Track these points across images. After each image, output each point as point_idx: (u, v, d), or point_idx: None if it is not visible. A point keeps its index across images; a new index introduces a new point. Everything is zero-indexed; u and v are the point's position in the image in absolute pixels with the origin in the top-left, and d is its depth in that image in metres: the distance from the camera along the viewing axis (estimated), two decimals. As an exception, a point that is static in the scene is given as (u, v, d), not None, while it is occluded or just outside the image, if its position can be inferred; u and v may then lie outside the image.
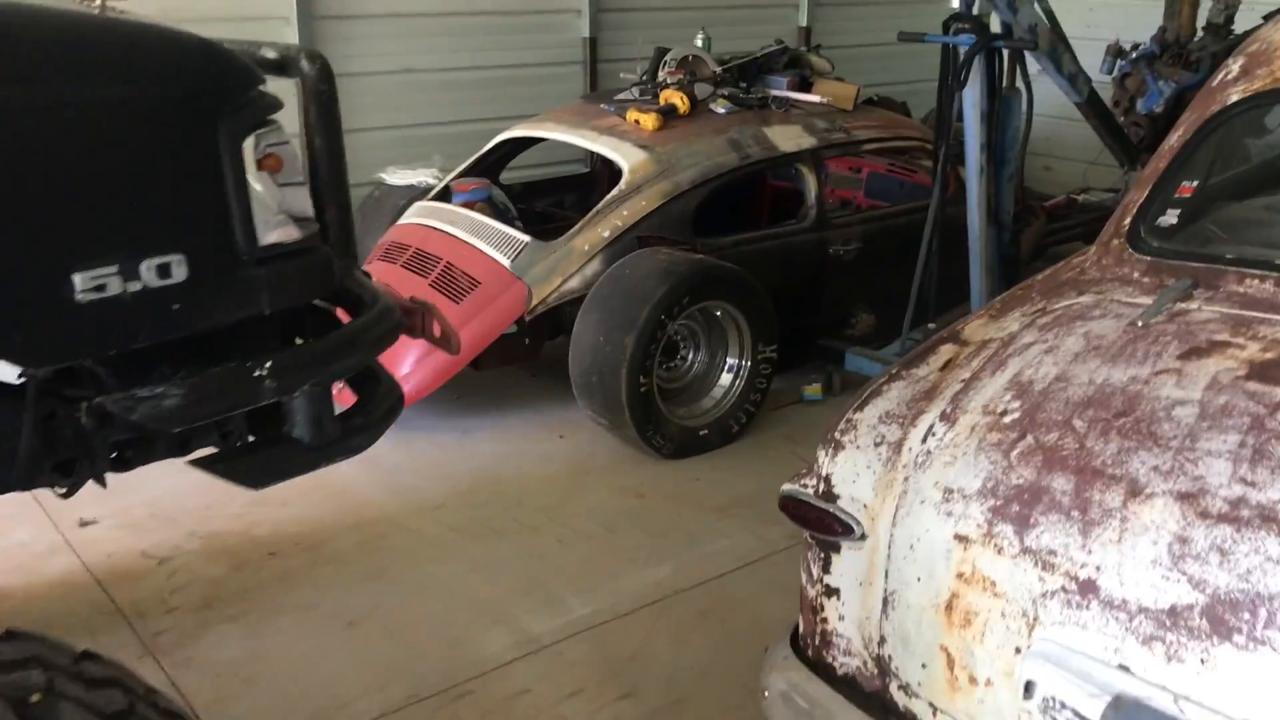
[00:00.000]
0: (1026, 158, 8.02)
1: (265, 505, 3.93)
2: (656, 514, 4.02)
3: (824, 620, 2.45)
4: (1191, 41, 5.67)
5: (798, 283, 4.99)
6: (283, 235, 1.65)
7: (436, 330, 2.09)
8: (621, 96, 5.26)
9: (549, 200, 5.85)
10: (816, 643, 2.47)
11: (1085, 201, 6.63)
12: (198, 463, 1.84)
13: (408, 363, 4.47)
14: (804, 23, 7.63)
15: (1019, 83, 4.64)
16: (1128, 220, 2.83)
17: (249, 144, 1.64)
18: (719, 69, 5.27)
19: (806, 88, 5.42)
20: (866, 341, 5.20)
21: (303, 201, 1.76)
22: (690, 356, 4.65)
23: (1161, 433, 2.10)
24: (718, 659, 3.15)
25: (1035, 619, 2.05)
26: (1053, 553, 2.04)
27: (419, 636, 3.28)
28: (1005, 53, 4.57)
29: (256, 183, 1.63)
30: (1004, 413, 2.31)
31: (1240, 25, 5.73)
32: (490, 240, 4.63)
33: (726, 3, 7.22)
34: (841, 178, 6.10)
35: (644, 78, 5.29)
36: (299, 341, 1.91)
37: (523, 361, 4.75)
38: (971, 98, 4.49)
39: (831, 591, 2.43)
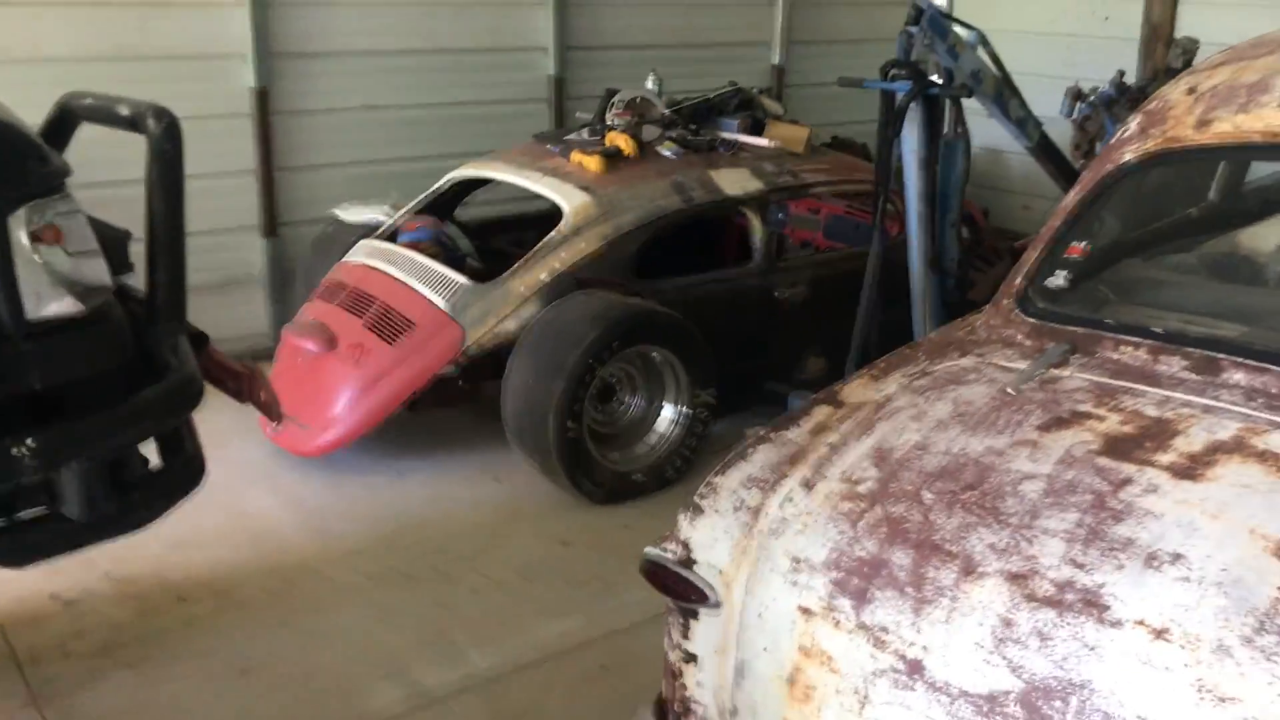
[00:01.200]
0: (1004, 196, 8.05)
1: (183, 548, 3.91)
2: (578, 563, 3.98)
3: (683, 687, 2.40)
4: (1152, 85, 5.61)
5: (743, 326, 4.95)
6: (61, 308, 1.62)
7: (261, 396, 2.07)
8: (570, 137, 5.25)
9: (509, 238, 5.83)
10: (677, 709, 2.43)
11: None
12: (-51, 542, 1.81)
13: (341, 402, 4.46)
14: (778, 61, 7.62)
15: (959, 129, 4.61)
16: (1019, 280, 2.79)
17: (19, 217, 1.62)
18: (667, 111, 5.26)
19: (758, 130, 5.39)
20: (816, 385, 5.14)
21: (96, 271, 1.73)
22: (627, 400, 4.61)
23: (1004, 508, 2.05)
24: (607, 717, 3.09)
25: (866, 698, 2.00)
26: (885, 630, 2.00)
27: (310, 687, 3.24)
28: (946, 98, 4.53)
29: (33, 255, 1.60)
30: (860, 481, 2.27)
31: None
32: (428, 281, 4.62)
33: (698, 41, 7.20)
34: (802, 218, 6.05)
35: (593, 119, 5.28)
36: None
37: (460, 404, 4.72)
38: (910, 144, 4.45)
39: (690, 658, 2.38)
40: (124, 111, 2.23)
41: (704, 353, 4.54)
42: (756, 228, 4.99)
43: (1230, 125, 2.61)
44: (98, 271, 1.73)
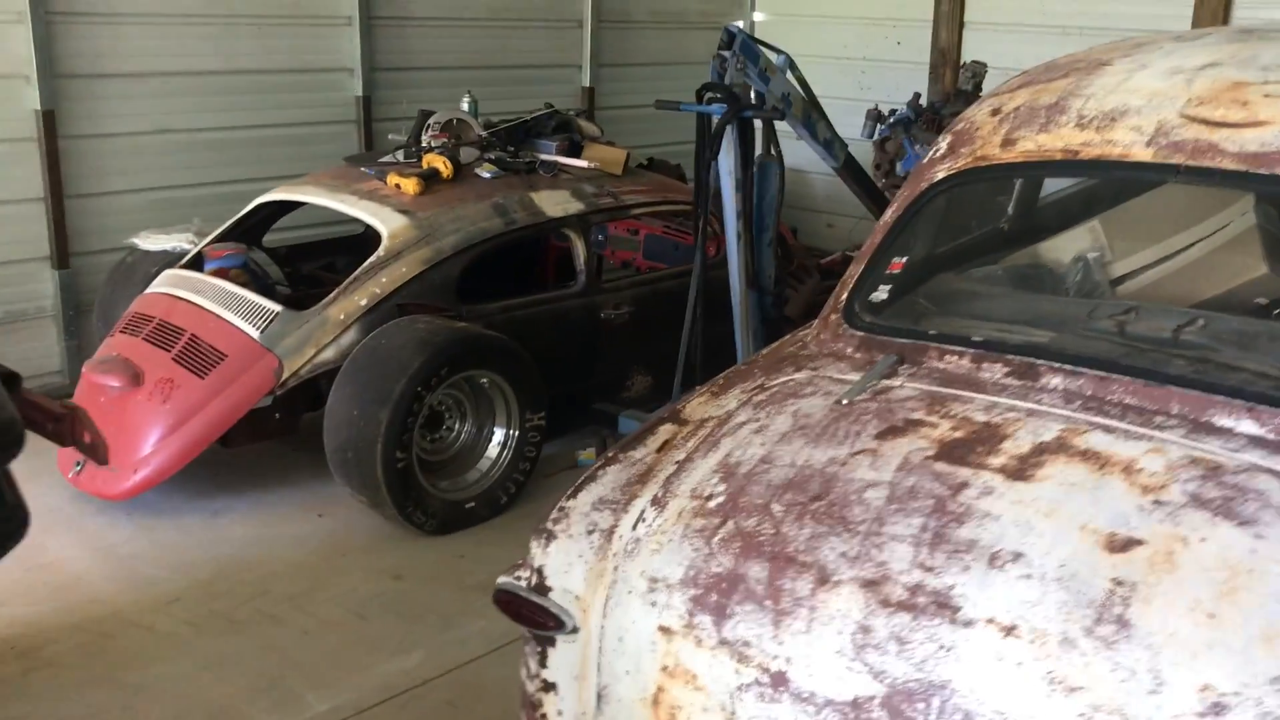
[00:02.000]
0: (809, 215, 8.35)
1: (-22, 606, 3.61)
2: (413, 597, 3.87)
3: (543, 717, 2.36)
4: (945, 107, 5.94)
5: (569, 347, 4.94)
6: None
7: (86, 437, 1.93)
8: (385, 160, 5.15)
9: (319, 263, 5.66)
10: (536, 740, 2.39)
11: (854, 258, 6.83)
12: None
13: (149, 441, 4.22)
14: (587, 83, 7.68)
15: (773, 150, 4.75)
16: (845, 295, 2.88)
17: None
18: (484, 133, 5.22)
19: (576, 152, 5.41)
20: (643, 403, 5.20)
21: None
22: (456, 427, 4.53)
23: (852, 516, 2.11)
24: (458, 754, 3.02)
25: (733, 713, 2.02)
26: (747, 644, 2.02)
27: (136, 748, 3.04)
28: (758, 121, 4.66)
29: None
30: (710, 496, 2.29)
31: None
32: (239, 310, 4.42)
33: (508, 62, 7.19)
34: (621, 239, 6.11)
35: (408, 141, 5.19)
36: None
37: (277, 437, 4.54)
38: (726, 166, 4.56)
39: (549, 687, 2.35)
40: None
41: (533, 375, 4.51)
42: (579, 249, 5.00)
43: (1033, 144, 2.77)
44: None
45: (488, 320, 4.62)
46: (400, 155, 5.14)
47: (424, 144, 5.10)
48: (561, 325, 4.92)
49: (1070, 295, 3.04)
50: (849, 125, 5.78)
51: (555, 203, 5.02)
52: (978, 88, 5.89)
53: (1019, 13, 7.43)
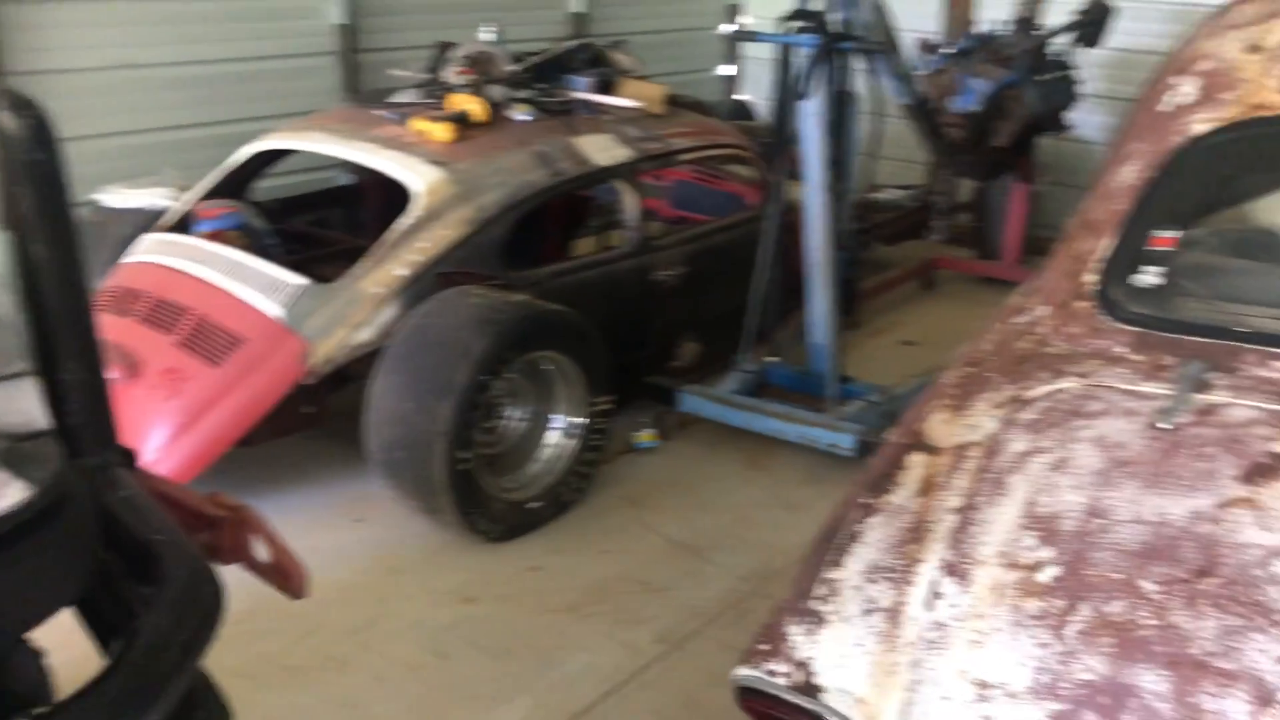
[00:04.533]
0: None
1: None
2: (494, 624, 3.29)
3: (806, 847, 1.82)
4: (1001, 38, 5.39)
5: (621, 315, 4.33)
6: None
7: (268, 553, 1.28)
8: (399, 99, 4.43)
9: (308, 218, 4.95)
10: None
11: (879, 200, 6.30)
12: None
13: (153, 445, 3.53)
14: (575, 7, 6.93)
15: (857, 86, 4.18)
16: (1091, 277, 2.34)
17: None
18: (515, 68, 4.52)
19: (606, 90, 4.74)
20: (694, 373, 4.63)
21: (24, 405, 0.93)
22: (512, 416, 3.91)
23: (1270, 602, 1.59)
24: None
25: None
26: (1161, 786, 1.50)
27: None
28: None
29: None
30: (1034, 565, 1.75)
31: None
32: (253, 283, 3.73)
33: (489, -13, 6.42)
34: (645, 186, 5.48)
35: (425, 77, 4.47)
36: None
37: (304, 430, 3.88)
38: (814, 105, 3.96)
39: (813, 809, 1.81)
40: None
41: (601, 354, 3.90)
42: (631, 202, 4.37)
43: (1333, 90, 2.25)
44: (25, 406, 0.90)
45: (539, 289, 3.99)
46: (414, 94, 4.42)
47: (445, 80, 4.39)
48: (615, 290, 4.30)
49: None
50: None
51: (601, 149, 4.37)
52: (1035, 14, 5.35)
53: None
